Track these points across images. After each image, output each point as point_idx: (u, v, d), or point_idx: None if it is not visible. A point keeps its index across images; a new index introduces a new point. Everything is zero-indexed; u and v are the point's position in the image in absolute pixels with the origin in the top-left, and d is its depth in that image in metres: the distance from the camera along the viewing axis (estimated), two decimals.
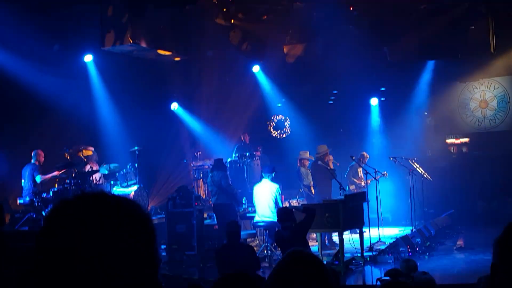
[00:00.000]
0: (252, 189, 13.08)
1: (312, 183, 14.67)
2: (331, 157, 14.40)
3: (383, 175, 14.93)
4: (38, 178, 13.10)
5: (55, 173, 13.38)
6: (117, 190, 14.48)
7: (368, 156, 15.85)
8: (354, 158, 14.88)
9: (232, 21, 13.71)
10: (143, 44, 12.49)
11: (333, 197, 13.03)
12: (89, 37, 13.53)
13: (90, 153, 14.58)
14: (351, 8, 13.93)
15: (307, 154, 14.73)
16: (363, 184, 15.34)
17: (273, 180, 12.48)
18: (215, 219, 13.64)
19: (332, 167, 14.18)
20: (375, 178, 14.22)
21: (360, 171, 15.69)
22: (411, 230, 14.17)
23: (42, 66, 13.56)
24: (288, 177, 16.42)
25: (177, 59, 14.25)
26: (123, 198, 1.50)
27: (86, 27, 13.45)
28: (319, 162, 14.05)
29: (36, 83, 13.55)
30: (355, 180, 16.00)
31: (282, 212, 9.38)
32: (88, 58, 14.97)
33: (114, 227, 1.40)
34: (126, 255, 1.40)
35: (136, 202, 1.52)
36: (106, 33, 12.17)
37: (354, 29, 14.52)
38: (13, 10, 11.91)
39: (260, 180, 12.91)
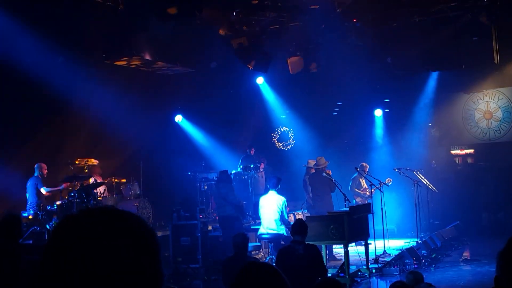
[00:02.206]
0: (256, 201, 13.03)
1: (311, 193, 14.64)
2: (329, 171, 14.32)
3: (386, 183, 14.84)
4: (44, 189, 13.10)
5: (63, 185, 13.39)
6: (121, 202, 14.46)
7: (368, 166, 15.76)
8: (358, 169, 14.85)
9: (236, 33, 13.72)
10: (147, 57, 12.52)
11: (338, 209, 12.99)
12: (94, 50, 13.56)
13: (95, 165, 14.59)
14: (354, 20, 13.94)
15: (315, 163, 14.65)
16: (368, 193, 15.29)
17: (279, 192, 12.38)
18: (220, 231, 13.59)
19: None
20: (377, 188, 14.18)
21: (363, 182, 15.66)
22: (417, 242, 14.12)
23: (47, 78, 13.58)
24: (293, 189, 16.39)
25: (188, 70, 14.26)
26: (127, 213, 1.50)
27: (91, 40, 13.49)
28: (323, 174, 13.99)
29: (40, 96, 13.58)
30: (359, 191, 15.93)
31: (299, 225, 8.97)
32: (93, 70, 14.98)
33: (119, 242, 1.41)
34: (130, 270, 1.41)
35: (141, 216, 1.53)
36: (110, 45, 12.20)
37: (357, 40, 14.52)
38: (17, 23, 11.95)
39: (266, 192, 12.84)
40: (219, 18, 13.23)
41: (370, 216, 12.75)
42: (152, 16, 11.26)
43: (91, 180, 14.19)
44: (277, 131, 20.17)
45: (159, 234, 13.85)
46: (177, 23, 12.39)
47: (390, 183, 15.12)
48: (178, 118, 18.44)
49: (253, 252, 13.02)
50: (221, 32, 13.70)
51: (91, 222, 1.44)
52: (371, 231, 12.55)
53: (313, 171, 14.65)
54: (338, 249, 13.98)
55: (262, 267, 2.50)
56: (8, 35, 12.16)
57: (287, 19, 13.90)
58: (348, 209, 11.65)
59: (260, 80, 18.01)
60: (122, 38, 12.09)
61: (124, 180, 15.20)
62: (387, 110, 19.33)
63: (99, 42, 12.56)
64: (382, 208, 13.80)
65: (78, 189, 12.92)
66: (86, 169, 14.34)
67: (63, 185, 13.39)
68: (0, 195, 13.32)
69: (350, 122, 19.32)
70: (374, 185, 14.11)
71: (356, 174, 15.65)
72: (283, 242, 11.72)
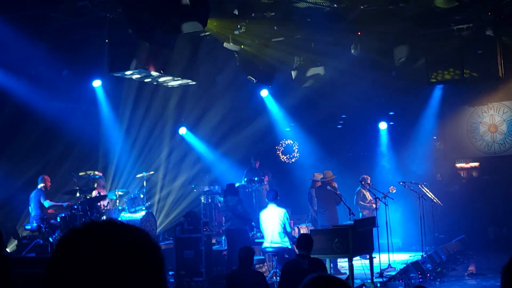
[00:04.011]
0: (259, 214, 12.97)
1: (316, 207, 14.59)
2: (335, 183, 14.29)
3: (390, 191, 14.73)
4: (46, 203, 13.08)
5: (66, 203, 13.36)
6: (125, 215, 14.41)
7: (369, 177, 15.70)
8: (363, 182, 14.80)
9: (242, 46, 13.73)
10: (151, 69, 12.51)
11: (342, 222, 12.94)
12: (98, 62, 13.60)
13: (99, 177, 14.57)
14: (359, 33, 13.94)
15: (322, 176, 14.61)
16: (374, 206, 15.23)
17: (279, 204, 12.35)
18: (223, 245, 13.53)
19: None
20: (381, 200, 14.12)
21: (368, 194, 15.60)
22: (422, 256, 14.05)
23: (51, 91, 13.63)
24: (297, 202, 16.35)
25: (192, 83, 14.24)
26: (132, 227, 1.52)
27: (95, 53, 13.52)
28: (328, 187, 13.96)
29: (44, 108, 13.61)
30: (365, 203, 15.86)
31: (304, 239, 8.93)
32: (97, 83, 15.02)
33: (123, 256, 1.42)
34: (135, 284, 1.42)
35: (145, 230, 1.54)
36: (114, 58, 12.20)
37: (362, 53, 14.51)
38: (22, 36, 11.99)
39: (265, 206, 12.80)
40: (224, 31, 13.24)
41: (374, 229, 12.69)
42: (156, 29, 11.25)
43: (95, 193, 14.16)
44: (282, 144, 20.14)
45: (163, 247, 13.80)
46: (182, 36, 12.40)
47: (394, 191, 15.03)
48: (182, 130, 18.43)
49: (257, 266, 12.95)
50: (226, 45, 13.71)
51: (96, 236, 1.45)
52: (375, 245, 12.47)
53: (319, 184, 14.61)
54: (342, 263, 13.90)
55: (333, 281, 2.41)
56: (14, 48, 12.20)
57: (292, 32, 13.89)
58: (352, 222, 11.60)
59: (264, 93, 18.00)
60: (127, 51, 12.09)
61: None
62: (391, 123, 19.31)
63: (104, 55, 12.57)
64: (386, 222, 13.74)
65: (81, 202, 12.90)
66: (89, 181, 14.33)
67: (67, 203, 13.37)
68: (2, 207, 13.35)
69: (355, 135, 19.30)
70: (378, 198, 14.06)
71: (359, 188, 15.60)
72: (287, 256, 11.66)
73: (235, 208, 12.85)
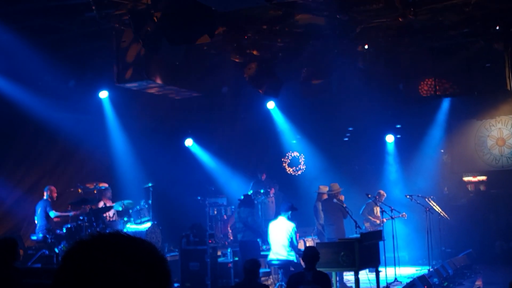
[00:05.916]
0: (265, 226, 12.91)
1: (323, 220, 14.51)
2: (342, 196, 14.22)
3: (402, 215, 14.75)
4: (52, 214, 13.07)
5: (72, 213, 13.33)
6: (131, 227, 14.38)
7: (385, 195, 15.68)
8: (370, 195, 14.73)
9: (248, 58, 13.73)
10: (158, 81, 12.52)
11: (349, 235, 12.86)
12: (105, 73, 13.62)
13: (105, 188, 14.55)
14: (366, 46, 13.94)
15: (327, 189, 14.55)
16: (378, 222, 15.17)
17: (289, 218, 12.27)
18: (229, 257, 13.46)
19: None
20: (391, 217, 14.03)
21: (377, 209, 15.53)
22: (428, 270, 13.95)
23: (58, 102, 13.64)
24: (303, 215, 16.25)
25: (198, 94, 14.26)
26: (138, 239, 1.51)
27: (102, 63, 13.55)
28: (334, 200, 13.89)
29: (51, 119, 13.63)
30: (371, 218, 15.81)
31: (311, 253, 8.89)
32: (104, 94, 15.03)
33: (130, 269, 1.42)
34: None
35: (151, 243, 1.53)
36: (121, 69, 12.21)
37: (369, 66, 14.50)
38: (29, 46, 12.03)
39: (276, 217, 12.71)
40: (230, 42, 13.25)
41: (381, 243, 12.60)
42: (163, 40, 11.27)
43: (101, 204, 14.13)
44: (288, 156, 20.09)
45: (168, 259, 13.72)
46: (188, 47, 12.41)
47: (405, 217, 15.08)
48: (189, 142, 18.42)
49: (262, 278, 12.86)
50: (232, 56, 13.72)
51: (102, 248, 1.45)
52: (382, 258, 12.38)
53: (325, 197, 14.54)
54: (348, 276, 13.80)
55: None
56: (20, 58, 12.23)
57: (299, 44, 13.89)
58: (359, 235, 11.52)
59: (271, 104, 17.99)
60: (134, 62, 12.11)
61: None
62: (398, 136, 19.24)
63: (111, 66, 12.60)
64: (393, 235, 13.66)
65: (87, 213, 12.88)
66: (95, 192, 14.31)
67: (72, 213, 13.34)
68: (7, 216, 13.34)
69: (361, 148, 19.23)
70: (387, 213, 13.97)
71: (371, 200, 15.52)
72: (293, 269, 11.59)
73: (246, 220, 12.79)
